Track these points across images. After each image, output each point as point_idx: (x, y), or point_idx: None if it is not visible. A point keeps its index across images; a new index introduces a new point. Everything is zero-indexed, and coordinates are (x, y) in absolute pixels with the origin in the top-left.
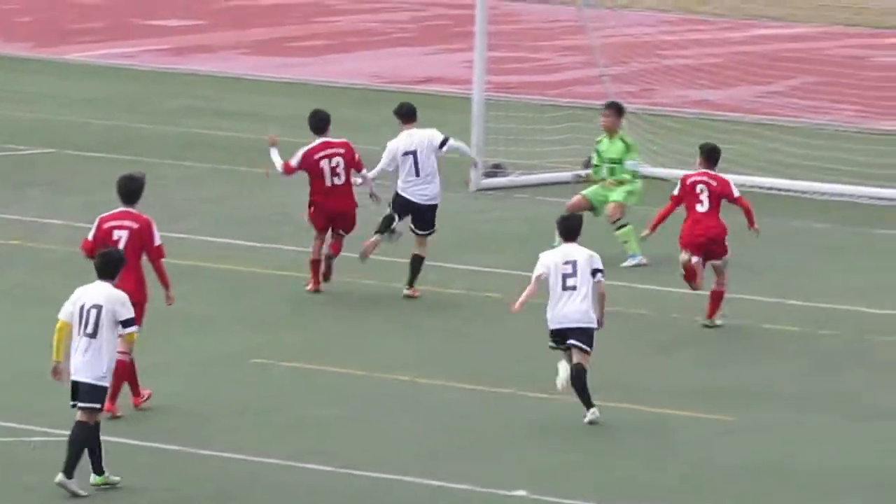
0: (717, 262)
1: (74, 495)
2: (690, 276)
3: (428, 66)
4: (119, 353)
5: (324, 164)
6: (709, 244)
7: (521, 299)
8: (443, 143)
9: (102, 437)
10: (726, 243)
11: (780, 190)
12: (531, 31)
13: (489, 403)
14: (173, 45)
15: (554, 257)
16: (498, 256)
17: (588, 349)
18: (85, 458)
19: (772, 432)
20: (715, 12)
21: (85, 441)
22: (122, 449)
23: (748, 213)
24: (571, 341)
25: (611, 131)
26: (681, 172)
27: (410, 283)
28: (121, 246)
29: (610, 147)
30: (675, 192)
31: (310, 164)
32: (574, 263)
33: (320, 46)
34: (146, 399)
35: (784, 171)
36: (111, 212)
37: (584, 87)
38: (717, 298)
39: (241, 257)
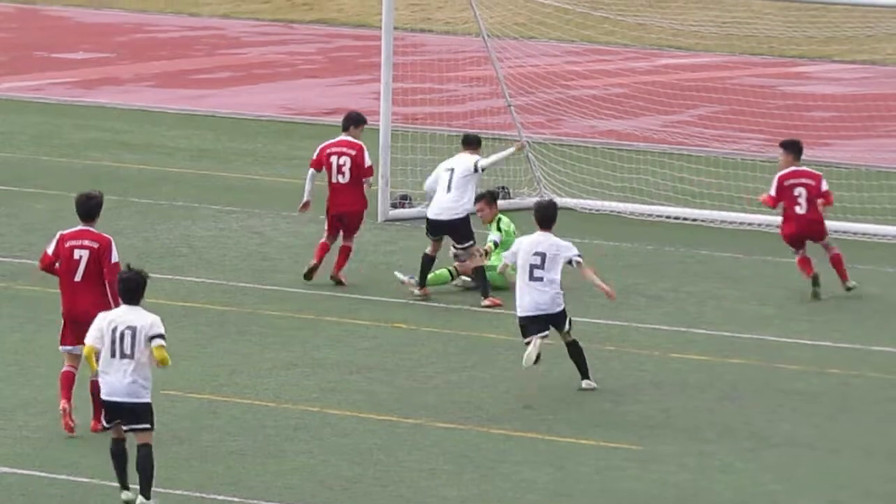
0: (822, 242)
1: None
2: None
3: (335, 98)
4: (69, 365)
5: (332, 159)
6: (810, 237)
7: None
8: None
9: (4, 468)
10: (824, 227)
11: (686, 219)
12: (437, 63)
13: (398, 434)
14: (80, 78)
15: (525, 247)
16: (405, 287)
17: (569, 327)
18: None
19: (678, 462)
20: (620, 42)
21: (151, 460)
22: (30, 481)
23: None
24: (550, 326)
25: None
26: (589, 202)
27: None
28: (82, 265)
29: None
30: (773, 192)
31: (321, 157)
32: (543, 256)
33: (227, 78)
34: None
35: (692, 200)
36: (71, 230)
37: (490, 117)
38: (839, 262)
39: (147, 289)
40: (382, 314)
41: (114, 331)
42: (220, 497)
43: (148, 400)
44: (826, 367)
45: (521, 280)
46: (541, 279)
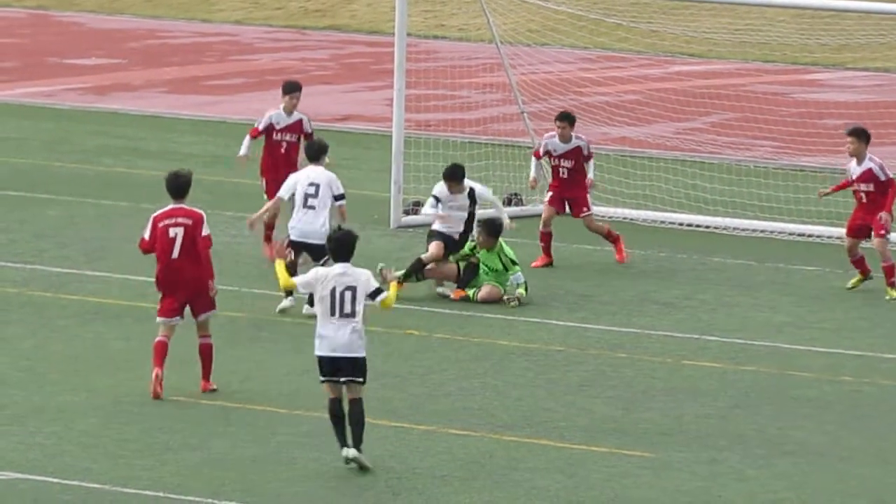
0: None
1: (363, 468)
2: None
3: (347, 104)
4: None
5: None
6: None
7: (256, 215)
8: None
9: (16, 474)
10: None
11: (699, 226)
12: (450, 69)
13: (410, 441)
14: (92, 84)
15: (299, 178)
16: (417, 293)
17: (322, 261)
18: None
19: (690, 469)
20: (633, 49)
21: (364, 414)
22: (42, 487)
23: None
24: (308, 255)
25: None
26: (601, 209)
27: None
28: (177, 243)
29: (489, 258)
30: (892, 175)
31: None
32: (317, 186)
33: (239, 84)
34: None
35: (704, 207)
36: (162, 210)
37: (503, 124)
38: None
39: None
40: (394, 321)
41: (332, 291)
42: (232, 503)
43: (365, 354)
44: (838, 375)
45: (296, 206)
46: (313, 207)
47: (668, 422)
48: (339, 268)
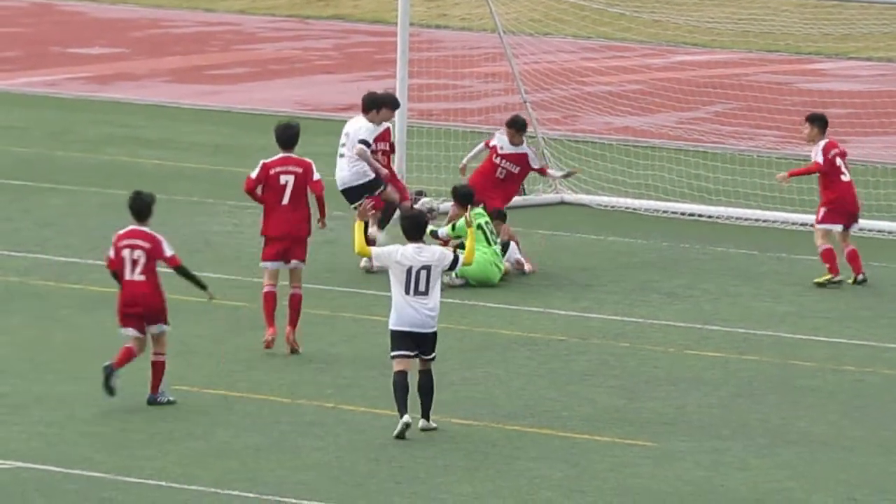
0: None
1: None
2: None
3: (350, 94)
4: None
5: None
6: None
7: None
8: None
9: (19, 463)
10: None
11: (702, 216)
12: (452, 59)
13: (413, 430)
14: (95, 73)
15: (344, 133)
16: None
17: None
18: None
19: (693, 459)
20: (636, 38)
21: (433, 384)
22: (45, 476)
23: None
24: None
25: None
26: (604, 199)
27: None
28: (288, 189)
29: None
30: (820, 160)
31: None
32: (347, 135)
33: (242, 74)
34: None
35: (707, 197)
36: (273, 158)
37: (506, 114)
38: (855, 256)
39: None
40: None
41: (409, 271)
42: (236, 493)
43: (437, 329)
44: (841, 365)
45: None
46: (343, 155)
47: (671, 411)
48: (413, 247)
